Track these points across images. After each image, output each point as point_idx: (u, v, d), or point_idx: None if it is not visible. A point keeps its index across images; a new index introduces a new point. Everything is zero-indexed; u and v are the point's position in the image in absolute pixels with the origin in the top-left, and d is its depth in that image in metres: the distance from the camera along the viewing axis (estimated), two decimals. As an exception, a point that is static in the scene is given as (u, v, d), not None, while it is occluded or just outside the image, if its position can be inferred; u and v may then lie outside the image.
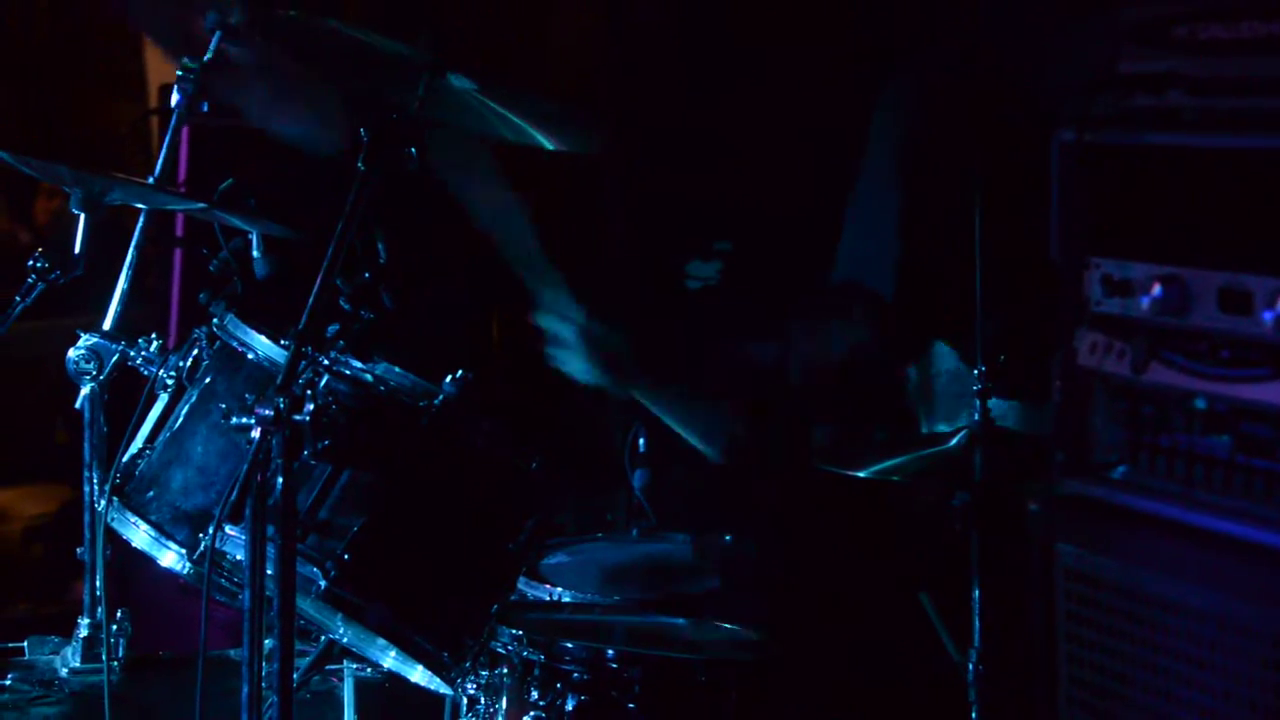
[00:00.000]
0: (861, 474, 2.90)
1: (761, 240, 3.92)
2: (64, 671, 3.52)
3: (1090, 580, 2.25)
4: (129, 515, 3.08)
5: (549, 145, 3.28)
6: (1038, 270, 2.31)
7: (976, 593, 2.80)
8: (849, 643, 3.22)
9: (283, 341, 2.97)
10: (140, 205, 3.60)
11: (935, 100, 3.32)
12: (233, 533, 2.86)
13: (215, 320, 3.13)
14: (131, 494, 3.10)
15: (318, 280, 2.75)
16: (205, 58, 3.62)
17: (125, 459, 3.14)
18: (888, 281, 3.48)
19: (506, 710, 3.03)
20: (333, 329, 3.00)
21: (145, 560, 3.09)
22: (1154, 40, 2.15)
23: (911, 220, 3.42)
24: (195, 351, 3.14)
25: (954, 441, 2.90)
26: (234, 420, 2.65)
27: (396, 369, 3.01)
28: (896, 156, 3.39)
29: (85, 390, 3.41)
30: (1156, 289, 2.14)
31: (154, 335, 3.31)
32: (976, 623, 2.81)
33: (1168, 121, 2.14)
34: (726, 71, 4.39)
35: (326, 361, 2.95)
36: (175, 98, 3.65)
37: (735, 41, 4.38)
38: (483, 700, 3.08)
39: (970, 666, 2.82)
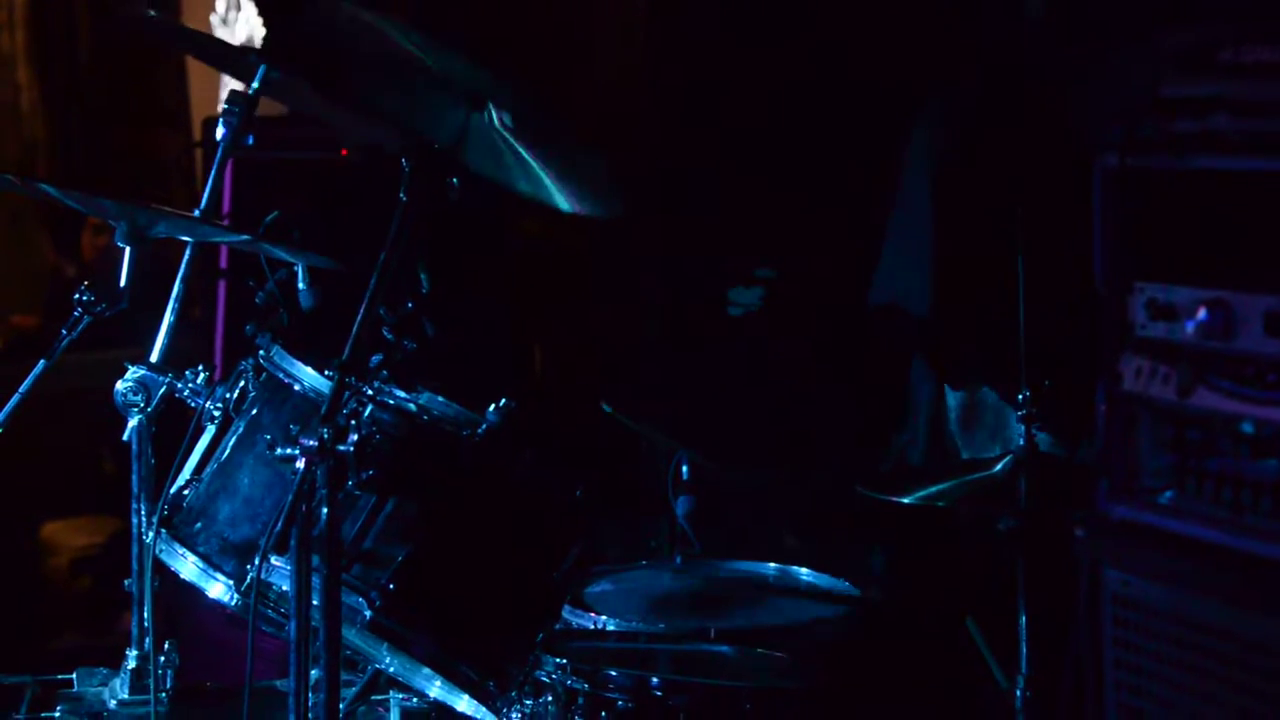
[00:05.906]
0: (907, 500, 2.90)
1: (803, 266, 3.92)
2: (112, 703, 3.52)
3: (1137, 606, 2.23)
4: (177, 547, 3.10)
5: (564, 206, 3.09)
6: (1081, 295, 2.30)
7: (1024, 619, 2.79)
8: (895, 669, 3.21)
9: (328, 373, 2.99)
10: (185, 238, 3.62)
11: (971, 126, 3.32)
12: (278, 563, 2.87)
13: (262, 352, 3.15)
14: (179, 525, 3.11)
15: (361, 311, 2.76)
16: (250, 90, 3.64)
17: (173, 491, 3.16)
18: (923, 303, 3.48)
19: (552, 739, 3.03)
20: (376, 359, 3.01)
21: (192, 591, 3.10)
22: (1197, 65, 2.14)
23: (948, 244, 3.41)
24: (242, 383, 3.16)
25: (999, 467, 2.89)
26: (279, 451, 2.66)
27: (440, 398, 3.02)
28: (931, 183, 3.38)
29: (133, 422, 3.42)
30: (1201, 313, 2.13)
31: (201, 367, 3.33)
32: (1024, 649, 2.80)
33: (1211, 145, 2.14)
34: (767, 93, 4.40)
35: (370, 391, 2.96)
36: (220, 131, 3.66)
37: (776, 66, 4.39)
38: (528, 729, 3.08)
39: (1018, 693, 2.81)
